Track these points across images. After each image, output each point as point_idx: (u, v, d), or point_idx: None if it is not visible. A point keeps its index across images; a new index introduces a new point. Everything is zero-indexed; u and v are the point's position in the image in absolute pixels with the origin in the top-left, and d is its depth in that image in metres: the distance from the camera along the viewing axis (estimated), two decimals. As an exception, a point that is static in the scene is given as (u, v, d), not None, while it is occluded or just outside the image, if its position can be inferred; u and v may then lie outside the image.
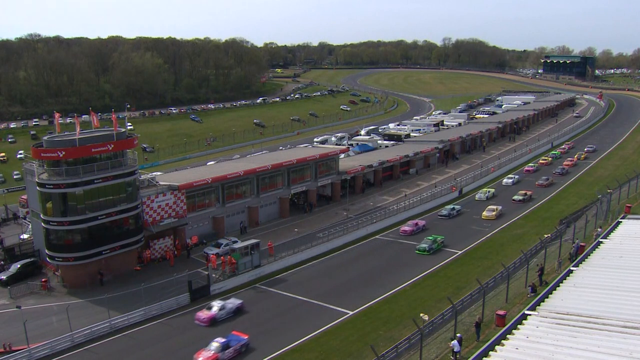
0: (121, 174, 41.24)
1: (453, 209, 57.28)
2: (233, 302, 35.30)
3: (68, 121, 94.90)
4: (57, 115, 44.95)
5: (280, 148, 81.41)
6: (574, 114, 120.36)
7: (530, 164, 78.29)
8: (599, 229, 40.72)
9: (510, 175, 70.67)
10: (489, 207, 56.49)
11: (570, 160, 77.87)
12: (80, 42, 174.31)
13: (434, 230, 50.98)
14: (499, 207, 56.46)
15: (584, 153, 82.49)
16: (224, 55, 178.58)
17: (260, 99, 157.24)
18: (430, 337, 28.67)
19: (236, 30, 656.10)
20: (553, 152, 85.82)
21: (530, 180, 69.33)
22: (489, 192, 63.79)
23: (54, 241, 40.08)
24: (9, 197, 68.72)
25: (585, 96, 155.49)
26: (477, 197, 63.00)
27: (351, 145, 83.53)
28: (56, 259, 40.32)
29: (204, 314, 33.94)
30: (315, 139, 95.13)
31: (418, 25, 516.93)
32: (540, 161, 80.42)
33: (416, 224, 51.81)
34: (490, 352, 20.91)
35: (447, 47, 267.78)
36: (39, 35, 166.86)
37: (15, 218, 57.40)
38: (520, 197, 60.79)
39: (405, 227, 51.23)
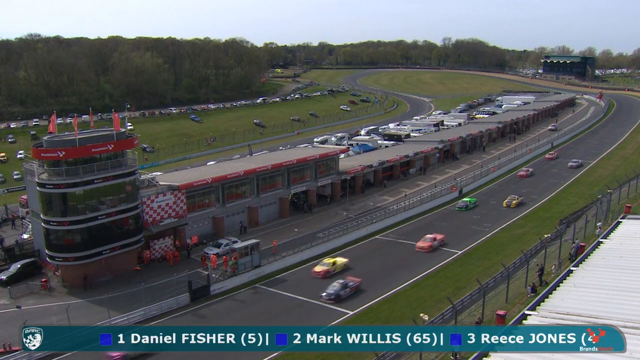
0: (121, 174, 41.25)
1: None
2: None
3: (68, 121, 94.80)
4: (53, 117, 44.93)
5: (280, 148, 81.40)
6: (550, 127, 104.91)
7: (321, 269, 41.53)
8: (600, 223, 40.79)
9: None
10: None
11: (433, 238, 45.65)
12: (80, 42, 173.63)
13: None
14: None
15: (516, 198, 57.28)
16: (224, 55, 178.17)
17: (260, 99, 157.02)
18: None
19: (236, 30, 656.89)
20: (465, 199, 58.12)
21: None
22: None
23: (54, 241, 40.11)
24: (9, 197, 68.70)
25: (585, 96, 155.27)
26: None
27: (351, 145, 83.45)
28: (56, 259, 40.36)
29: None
30: (315, 139, 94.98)
31: (418, 25, 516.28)
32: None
33: None
34: (491, 352, 20.88)
35: (447, 47, 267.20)
36: (39, 35, 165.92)
37: (23, 218, 57.16)
38: None
39: None
